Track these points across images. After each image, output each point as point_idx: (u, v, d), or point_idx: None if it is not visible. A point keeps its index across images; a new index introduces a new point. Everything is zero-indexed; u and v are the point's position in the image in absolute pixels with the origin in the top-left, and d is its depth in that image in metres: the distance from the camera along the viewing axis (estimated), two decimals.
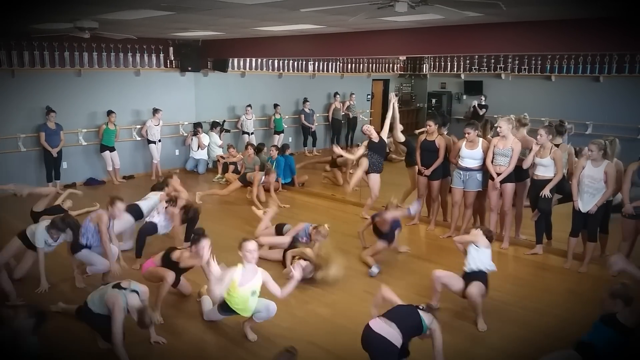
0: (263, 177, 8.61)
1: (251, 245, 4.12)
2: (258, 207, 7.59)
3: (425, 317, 3.53)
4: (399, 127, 7.71)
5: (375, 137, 7.43)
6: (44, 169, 9.16)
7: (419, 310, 3.56)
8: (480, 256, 4.58)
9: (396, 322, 3.43)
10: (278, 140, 12.15)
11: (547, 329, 4.45)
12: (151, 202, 6.43)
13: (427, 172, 6.98)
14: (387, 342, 3.35)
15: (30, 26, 7.61)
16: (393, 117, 7.52)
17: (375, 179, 7.52)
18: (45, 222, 5.19)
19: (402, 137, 7.79)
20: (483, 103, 13.26)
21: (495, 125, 6.43)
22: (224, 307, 4.24)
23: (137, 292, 4.07)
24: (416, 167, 7.25)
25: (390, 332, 3.38)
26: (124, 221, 5.93)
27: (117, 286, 4.08)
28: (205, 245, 4.46)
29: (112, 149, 9.85)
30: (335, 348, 4.18)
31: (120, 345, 3.82)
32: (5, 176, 8.65)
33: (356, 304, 4.89)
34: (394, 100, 7.60)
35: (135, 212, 6.25)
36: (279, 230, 6.29)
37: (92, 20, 6.75)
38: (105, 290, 4.10)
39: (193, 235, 4.70)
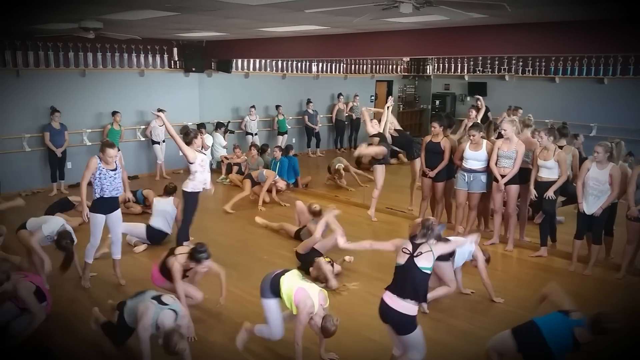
0: (276, 178, 8.75)
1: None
2: (260, 209, 7.77)
3: (425, 262, 3.45)
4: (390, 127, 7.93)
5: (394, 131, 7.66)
6: (49, 169, 9.19)
7: (415, 264, 3.44)
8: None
9: (405, 292, 3.43)
10: (282, 141, 12.15)
11: None
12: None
13: (432, 173, 6.96)
14: (404, 316, 3.43)
15: (35, 26, 7.63)
16: (386, 120, 7.72)
17: (381, 170, 7.60)
18: (59, 220, 5.37)
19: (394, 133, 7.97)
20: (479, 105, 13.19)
21: (500, 128, 6.39)
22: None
23: (175, 312, 3.79)
24: (416, 160, 7.33)
25: (404, 305, 3.43)
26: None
27: (157, 298, 3.85)
28: (205, 265, 4.48)
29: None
30: (339, 349, 4.18)
31: None
32: (10, 176, 8.68)
33: (360, 306, 4.90)
34: (389, 104, 7.83)
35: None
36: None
37: (96, 21, 6.77)
38: (142, 298, 3.90)
39: (195, 254, 4.42)
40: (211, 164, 11.11)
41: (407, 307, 3.42)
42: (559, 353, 3.37)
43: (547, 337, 3.37)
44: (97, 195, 5.10)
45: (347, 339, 4.30)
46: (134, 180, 10.31)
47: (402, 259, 3.50)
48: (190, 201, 5.95)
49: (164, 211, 6.64)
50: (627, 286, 5.55)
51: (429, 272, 3.48)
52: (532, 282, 5.59)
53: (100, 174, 5.07)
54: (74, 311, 4.79)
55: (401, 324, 3.46)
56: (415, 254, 3.46)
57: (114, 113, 9.71)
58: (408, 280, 3.44)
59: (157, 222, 6.57)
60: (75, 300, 5.04)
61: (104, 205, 5.16)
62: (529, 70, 13.15)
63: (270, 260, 6.05)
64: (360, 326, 4.52)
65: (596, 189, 5.60)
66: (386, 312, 3.49)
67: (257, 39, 9.66)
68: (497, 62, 13.78)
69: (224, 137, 11.18)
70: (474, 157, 6.49)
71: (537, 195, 6.11)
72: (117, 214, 5.33)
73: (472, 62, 14.36)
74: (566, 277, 5.75)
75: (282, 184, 8.90)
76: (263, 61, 12.34)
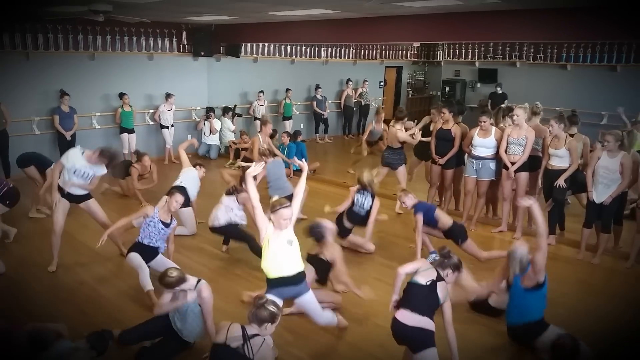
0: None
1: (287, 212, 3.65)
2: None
3: (440, 292, 3.50)
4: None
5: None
6: (58, 152, 9.22)
7: (436, 289, 3.50)
8: None
9: (420, 309, 3.42)
10: (287, 126, 12.12)
11: (556, 319, 4.41)
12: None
13: (442, 161, 6.93)
14: (424, 330, 3.38)
15: (45, 9, 7.62)
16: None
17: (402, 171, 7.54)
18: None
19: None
20: (499, 92, 13.12)
21: (511, 114, 6.35)
22: (269, 282, 3.77)
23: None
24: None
25: (422, 320, 3.39)
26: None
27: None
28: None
29: (130, 131, 9.88)
30: (346, 335, 4.21)
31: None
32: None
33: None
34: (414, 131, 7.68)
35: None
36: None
37: (106, 4, 6.74)
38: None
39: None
40: (219, 149, 11.18)
41: (425, 322, 3.40)
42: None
43: None
44: (137, 239, 4.81)
45: (354, 325, 4.33)
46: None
47: (424, 279, 3.50)
48: None
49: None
50: (636, 275, 5.52)
51: (440, 303, 3.50)
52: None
53: (150, 221, 4.76)
54: (83, 292, 4.87)
55: (421, 340, 3.39)
56: (438, 279, 3.50)
57: (122, 95, 9.72)
58: (426, 300, 3.46)
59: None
60: (84, 283, 5.09)
61: (144, 252, 4.77)
62: (540, 57, 13.01)
63: None
64: (367, 312, 4.53)
65: (606, 178, 5.55)
66: (403, 331, 3.41)
67: (267, 23, 9.60)
68: (508, 49, 13.64)
69: (232, 121, 11.18)
70: (483, 144, 6.45)
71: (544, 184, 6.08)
72: (159, 258, 4.86)
73: (482, 49, 14.21)
74: (574, 265, 5.74)
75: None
76: (272, 46, 12.28)
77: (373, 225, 5.86)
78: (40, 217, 6.85)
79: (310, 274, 4.40)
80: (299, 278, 3.74)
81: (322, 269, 4.54)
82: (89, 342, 3.26)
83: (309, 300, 3.85)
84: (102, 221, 5.45)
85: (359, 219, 5.85)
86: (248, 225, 5.68)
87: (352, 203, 5.86)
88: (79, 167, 5.12)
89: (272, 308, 3.13)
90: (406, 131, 7.51)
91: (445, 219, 5.50)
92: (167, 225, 4.83)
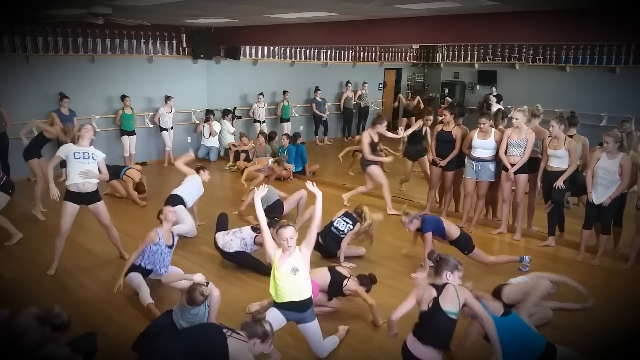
0: (268, 165, 8.83)
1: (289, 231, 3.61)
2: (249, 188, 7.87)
3: (447, 303, 3.21)
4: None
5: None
6: None
7: (440, 306, 3.22)
8: None
9: (425, 337, 3.23)
10: (286, 128, 12.13)
11: (557, 321, 4.43)
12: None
13: (443, 163, 6.93)
14: None
15: (45, 12, 7.63)
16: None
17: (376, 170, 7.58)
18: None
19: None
20: (495, 93, 13.11)
21: (510, 115, 6.36)
22: (275, 303, 3.76)
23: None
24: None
25: (424, 352, 3.21)
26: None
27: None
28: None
29: (131, 134, 9.90)
30: (347, 335, 4.21)
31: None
32: (20, 161, 8.70)
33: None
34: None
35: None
36: None
37: (106, 6, 6.75)
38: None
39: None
40: (219, 151, 11.19)
41: (427, 353, 3.20)
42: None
43: None
44: (138, 263, 4.72)
45: (353, 326, 4.33)
46: (142, 166, 10.35)
47: (426, 305, 3.25)
48: None
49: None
50: (636, 276, 5.52)
51: (455, 317, 3.22)
52: (540, 271, 5.57)
53: (157, 249, 4.70)
54: (82, 295, 4.87)
55: None
56: (439, 295, 3.24)
57: (123, 97, 9.74)
58: (431, 325, 3.22)
59: None
60: (83, 286, 5.09)
61: (144, 272, 4.78)
62: (539, 59, 13.02)
63: None
64: (366, 314, 4.52)
65: (606, 179, 5.55)
66: (407, 356, 3.29)
67: (266, 26, 9.61)
68: (507, 51, 13.66)
69: (231, 123, 11.19)
70: (482, 146, 6.45)
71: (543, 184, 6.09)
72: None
73: (482, 50, 14.24)
74: (574, 267, 5.74)
75: (286, 171, 8.99)
76: (271, 48, 12.29)
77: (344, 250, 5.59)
78: (42, 220, 6.85)
79: (325, 279, 4.40)
80: (305, 305, 3.71)
81: (337, 283, 4.43)
82: (74, 347, 3.16)
83: (313, 329, 3.80)
84: (106, 223, 5.46)
85: (332, 240, 5.60)
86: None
87: (331, 222, 5.67)
88: (76, 150, 5.11)
89: (267, 327, 3.14)
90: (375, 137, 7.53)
91: (453, 230, 5.34)
92: (171, 246, 4.84)
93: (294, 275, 3.60)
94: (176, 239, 4.95)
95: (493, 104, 11.35)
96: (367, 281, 4.52)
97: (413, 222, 5.33)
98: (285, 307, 3.69)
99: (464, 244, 5.35)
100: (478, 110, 8.92)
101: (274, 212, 6.41)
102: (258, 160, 9.25)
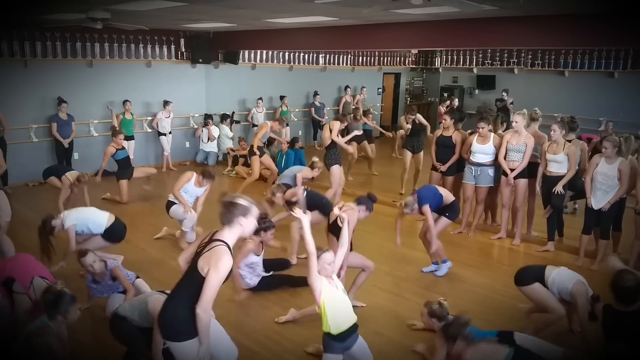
0: (268, 131, 8.78)
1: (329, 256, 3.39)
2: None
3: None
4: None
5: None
6: (56, 160, 9.21)
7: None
8: None
9: None
10: (285, 133, 12.09)
11: (558, 327, 4.40)
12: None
13: (443, 168, 6.92)
14: None
15: (43, 17, 7.63)
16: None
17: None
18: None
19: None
20: (505, 98, 13.11)
21: (511, 120, 6.36)
22: (334, 337, 3.37)
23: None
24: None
25: None
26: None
27: (163, 292, 3.57)
28: None
29: (129, 138, 9.88)
30: None
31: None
32: (18, 166, 8.70)
33: (365, 299, 4.88)
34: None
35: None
36: None
37: (104, 11, 6.75)
38: (148, 296, 3.67)
39: None
40: (217, 156, 11.17)
41: None
42: None
43: None
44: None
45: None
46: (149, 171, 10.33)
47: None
48: None
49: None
50: None
51: None
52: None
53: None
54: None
55: None
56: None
57: (125, 102, 9.74)
58: None
59: None
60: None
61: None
62: (538, 64, 13.06)
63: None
64: (365, 318, 4.49)
65: (605, 184, 5.54)
66: None
67: (265, 30, 9.62)
68: (506, 55, 13.68)
69: (230, 128, 11.18)
70: (481, 151, 6.45)
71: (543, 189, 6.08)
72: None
73: (481, 55, 14.26)
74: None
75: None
76: (270, 53, 12.29)
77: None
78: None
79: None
80: (356, 324, 3.48)
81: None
82: (46, 305, 3.27)
83: (364, 342, 3.56)
84: None
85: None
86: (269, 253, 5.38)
87: None
88: (85, 216, 5.15)
89: None
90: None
91: (447, 193, 5.47)
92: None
93: (344, 293, 3.45)
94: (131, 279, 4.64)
95: (511, 109, 11.44)
96: (366, 200, 4.41)
97: (414, 206, 5.16)
98: (347, 334, 3.38)
99: (456, 210, 5.53)
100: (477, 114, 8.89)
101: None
102: (260, 125, 9.19)
